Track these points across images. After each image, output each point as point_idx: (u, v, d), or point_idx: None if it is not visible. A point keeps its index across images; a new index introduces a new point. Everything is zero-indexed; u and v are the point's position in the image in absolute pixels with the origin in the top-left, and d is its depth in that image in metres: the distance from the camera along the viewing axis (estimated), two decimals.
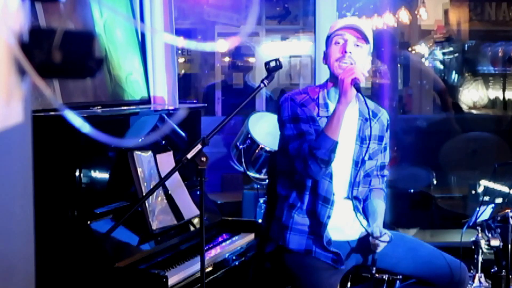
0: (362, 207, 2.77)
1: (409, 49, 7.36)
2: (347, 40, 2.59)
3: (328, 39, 2.65)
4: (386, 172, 2.85)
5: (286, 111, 2.63)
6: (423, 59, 7.32)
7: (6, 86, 1.17)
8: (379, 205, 2.75)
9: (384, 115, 2.81)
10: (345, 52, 2.57)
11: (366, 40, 2.61)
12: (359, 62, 2.58)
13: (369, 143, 2.64)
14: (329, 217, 2.61)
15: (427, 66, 7.12)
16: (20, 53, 1.15)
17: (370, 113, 2.65)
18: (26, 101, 1.22)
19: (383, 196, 2.82)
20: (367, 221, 2.70)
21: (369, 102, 2.76)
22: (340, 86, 2.49)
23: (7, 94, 1.18)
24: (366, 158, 2.68)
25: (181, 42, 1.54)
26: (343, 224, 2.68)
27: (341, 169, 2.64)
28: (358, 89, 2.46)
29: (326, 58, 2.65)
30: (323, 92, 2.67)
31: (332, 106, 2.61)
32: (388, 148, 2.83)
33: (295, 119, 2.61)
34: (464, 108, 6.67)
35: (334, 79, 2.62)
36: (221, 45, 1.63)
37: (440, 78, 7.04)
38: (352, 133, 2.67)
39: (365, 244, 2.65)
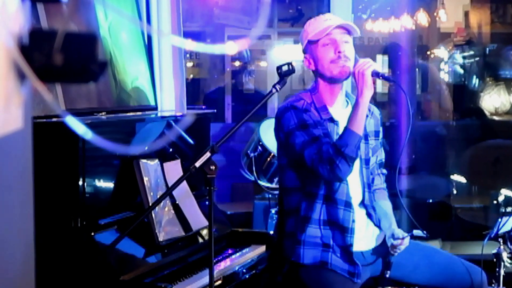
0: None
1: (428, 52, 7.27)
2: (336, 39, 2.56)
3: (312, 43, 2.61)
4: (384, 170, 2.84)
5: (292, 119, 2.57)
6: (442, 63, 7.24)
7: (4, 91, 1.16)
8: (387, 206, 2.73)
9: (375, 110, 2.81)
10: (340, 52, 2.55)
11: (350, 33, 2.60)
12: (351, 57, 2.58)
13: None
14: (353, 221, 2.58)
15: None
16: (20, 56, 1.13)
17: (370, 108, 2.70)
18: (26, 107, 1.21)
19: (387, 195, 2.80)
20: (379, 225, 2.67)
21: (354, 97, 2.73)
22: (359, 79, 2.49)
23: (6, 99, 1.16)
24: (370, 155, 2.68)
25: (189, 44, 1.50)
26: (357, 234, 2.62)
27: (353, 171, 2.59)
28: (384, 77, 2.57)
29: (314, 62, 2.62)
30: (316, 96, 2.63)
31: (330, 108, 2.61)
32: (383, 144, 2.83)
33: (303, 125, 2.55)
34: (486, 113, 6.58)
35: (328, 80, 2.61)
36: (230, 48, 1.60)
37: (460, 83, 7.00)
38: None
39: (379, 254, 2.62)
